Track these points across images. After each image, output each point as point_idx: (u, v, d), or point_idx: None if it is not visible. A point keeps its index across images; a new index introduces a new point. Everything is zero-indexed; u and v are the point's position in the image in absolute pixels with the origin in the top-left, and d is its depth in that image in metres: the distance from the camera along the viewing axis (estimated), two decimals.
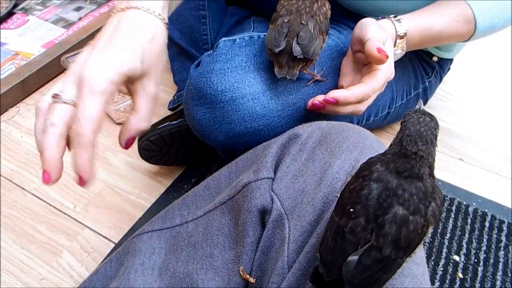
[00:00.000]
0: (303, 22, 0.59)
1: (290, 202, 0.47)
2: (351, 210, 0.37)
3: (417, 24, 0.63)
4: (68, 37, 1.12)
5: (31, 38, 1.11)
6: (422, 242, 0.39)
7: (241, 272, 0.48)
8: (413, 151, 0.36)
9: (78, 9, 1.26)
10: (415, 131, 0.36)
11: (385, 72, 0.56)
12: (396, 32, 0.62)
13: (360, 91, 0.55)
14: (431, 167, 0.37)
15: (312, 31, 0.59)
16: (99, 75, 0.40)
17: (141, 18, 0.45)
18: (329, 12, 0.62)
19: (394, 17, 0.63)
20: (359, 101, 0.56)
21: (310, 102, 0.58)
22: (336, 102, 0.55)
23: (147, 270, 0.49)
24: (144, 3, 0.46)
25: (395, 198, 0.35)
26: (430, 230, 0.38)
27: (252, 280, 0.48)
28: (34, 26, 1.15)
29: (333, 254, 0.37)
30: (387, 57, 0.54)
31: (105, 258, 0.70)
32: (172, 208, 0.56)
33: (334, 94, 0.55)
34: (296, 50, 0.57)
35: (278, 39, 0.58)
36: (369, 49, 0.54)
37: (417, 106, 0.39)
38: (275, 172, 0.50)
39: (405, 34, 0.62)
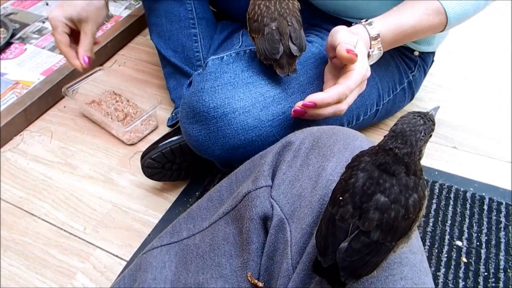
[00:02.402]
0: (289, 23, 0.63)
1: (289, 207, 0.50)
2: (340, 198, 0.39)
3: (389, 24, 0.66)
4: (66, 62, 1.15)
5: (30, 66, 1.14)
6: (414, 229, 0.41)
7: (249, 278, 0.50)
8: (390, 147, 0.37)
9: None
10: (400, 129, 0.38)
11: (360, 70, 0.59)
12: (369, 34, 0.65)
13: (336, 91, 0.58)
14: (408, 167, 0.37)
15: (297, 28, 0.63)
16: (52, 18, 0.83)
17: None
18: (299, 5, 0.66)
19: (366, 21, 0.66)
20: (338, 101, 0.59)
21: (292, 110, 0.60)
22: (315, 105, 0.58)
23: (160, 284, 0.52)
24: None
25: (377, 187, 0.38)
26: (418, 221, 0.40)
27: (260, 284, 0.50)
28: (32, 54, 1.18)
29: (326, 240, 0.40)
30: (356, 55, 0.57)
31: (118, 276, 0.73)
32: (178, 222, 0.58)
33: (311, 98, 0.58)
34: (294, 49, 0.62)
35: (275, 46, 0.62)
36: (339, 52, 0.58)
37: (431, 112, 0.40)
38: (272, 179, 0.52)
39: (378, 35, 0.65)
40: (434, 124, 0.39)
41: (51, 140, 1.01)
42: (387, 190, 0.37)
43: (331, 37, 0.62)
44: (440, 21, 0.67)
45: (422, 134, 0.37)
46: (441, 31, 0.71)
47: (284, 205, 0.50)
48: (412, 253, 0.46)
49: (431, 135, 0.39)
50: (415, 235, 0.48)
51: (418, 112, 0.39)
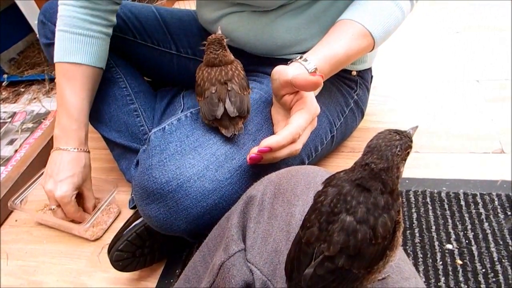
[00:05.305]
0: (229, 89, 0.63)
1: (269, 266, 0.46)
2: (308, 219, 0.37)
3: (322, 56, 0.67)
4: (9, 173, 1.09)
5: None
6: (389, 261, 0.38)
7: None
8: (366, 162, 0.36)
9: (12, 142, 1.24)
10: (375, 144, 0.36)
11: (309, 108, 0.59)
12: (308, 70, 0.65)
13: (289, 132, 0.57)
14: (385, 184, 0.36)
15: (238, 92, 0.63)
16: (65, 196, 0.81)
17: (75, 155, 0.83)
18: (243, 71, 0.66)
19: (300, 57, 0.67)
20: (292, 142, 0.58)
21: (247, 158, 0.59)
22: (270, 150, 0.57)
23: None
24: (72, 144, 0.83)
25: (344, 205, 0.36)
26: (395, 251, 0.37)
27: None
28: None
29: (292, 263, 0.38)
30: (322, 76, 0.57)
31: None
32: None
33: (265, 142, 0.57)
34: (231, 111, 0.62)
35: (213, 109, 0.62)
36: (302, 81, 0.57)
37: (409, 130, 0.39)
38: (244, 241, 0.49)
39: (316, 69, 0.66)
40: (411, 141, 0.37)
41: (8, 262, 0.92)
42: (353, 208, 0.35)
43: (279, 76, 0.61)
44: (368, 42, 0.70)
45: (398, 149, 0.36)
46: (372, 50, 0.73)
47: (263, 266, 0.46)
48: (405, 279, 0.43)
49: (408, 153, 0.37)
50: (403, 259, 0.46)
51: (395, 129, 0.38)
